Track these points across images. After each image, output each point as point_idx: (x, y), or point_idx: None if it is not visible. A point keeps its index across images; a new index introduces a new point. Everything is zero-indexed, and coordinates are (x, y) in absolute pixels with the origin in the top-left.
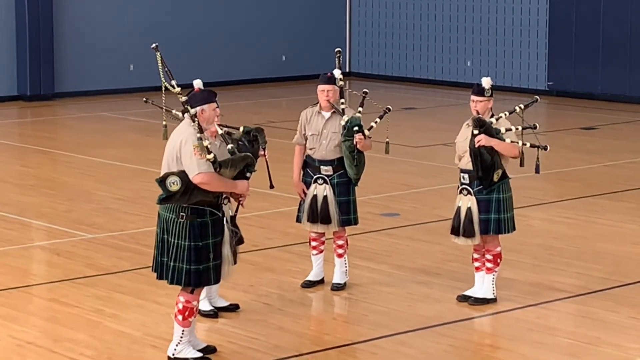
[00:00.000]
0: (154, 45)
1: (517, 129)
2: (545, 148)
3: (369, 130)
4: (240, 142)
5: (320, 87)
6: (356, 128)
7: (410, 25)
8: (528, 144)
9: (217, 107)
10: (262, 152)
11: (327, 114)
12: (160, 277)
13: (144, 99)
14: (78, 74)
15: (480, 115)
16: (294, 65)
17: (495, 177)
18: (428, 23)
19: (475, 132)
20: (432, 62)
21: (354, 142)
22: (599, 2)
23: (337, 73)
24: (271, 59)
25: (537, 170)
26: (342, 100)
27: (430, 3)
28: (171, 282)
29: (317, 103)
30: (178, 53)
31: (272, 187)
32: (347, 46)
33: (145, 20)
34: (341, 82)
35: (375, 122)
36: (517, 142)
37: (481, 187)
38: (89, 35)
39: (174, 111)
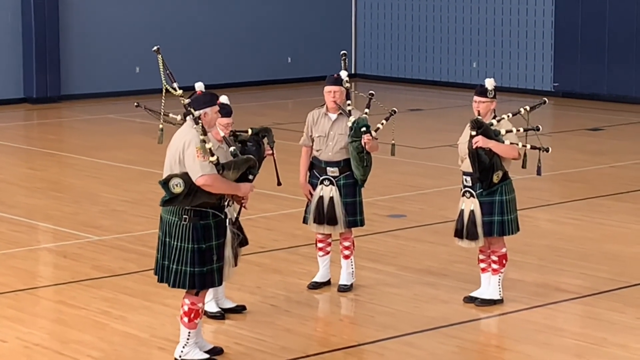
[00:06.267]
0: (155, 47)
1: (518, 130)
2: (547, 150)
3: (375, 131)
4: (249, 143)
5: (327, 88)
6: (364, 129)
7: (415, 26)
8: (529, 146)
9: (231, 114)
10: (270, 151)
11: (333, 116)
12: (161, 280)
13: (135, 103)
14: (84, 77)
15: (478, 117)
16: (299, 67)
17: (495, 179)
18: (434, 24)
19: (473, 133)
20: (437, 63)
21: (362, 143)
22: (605, 3)
23: (343, 74)
24: (277, 60)
25: (538, 172)
26: (349, 102)
27: (436, 5)
28: (173, 285)
29: (324, 104)
30: (184, 55)
31: (279, 184)
32: (352, 48)
33: (151, 22)
34: (347, 84)
35: (382, 124)
36: (517, 144)
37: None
38: (95, 38)
39: (170, 115)
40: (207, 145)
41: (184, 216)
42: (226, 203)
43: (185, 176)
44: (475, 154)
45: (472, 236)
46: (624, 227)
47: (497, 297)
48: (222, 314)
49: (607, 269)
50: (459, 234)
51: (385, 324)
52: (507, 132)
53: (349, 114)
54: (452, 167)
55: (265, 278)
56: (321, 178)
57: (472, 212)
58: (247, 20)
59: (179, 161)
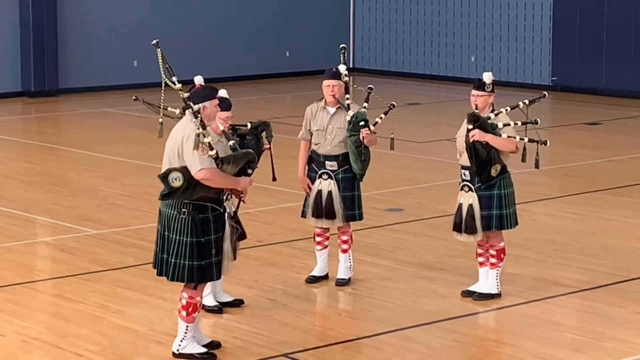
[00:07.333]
0: (154, 41)
1: (516, 124)
2: (545, 143)
3: (374, 125)
4: (248, 137)
5: (326, 82)
6: (362, 123)
7: (414, 20)
8: (526, 139)
9: (230, 108)
10: (267, 145)
11: (332, 110)
12: (160, 274)
13: (133, 97)
14: (82, 70)
15: (475, 111)
16: (297, 61)
17: (493, 172)
18: (432, 18)
19: (470, 127)
20: (436, 57)
21: (361, 137)
22: None
23: (342, 68)
24: (275, 54)
25: (536, 166)
26: (347, 96)
27: None
28: (172, 279)
29: (322, 98)
30: (182, 49)
31: (274, 179)
32: (351, 42)
33: (149, 16)
34: (346, 78)
35: (380, 118)
36: (515, 137)
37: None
38: (92, 32)
39: (169, 108)
40: (206, 139)
41: (183, 210)
42: (225, 197)
43: (184, 170)
44: (472, 148)
45: (471, 230)
46: (622, 221)
47: (495, 291)
48: (219, 308)
49: (605, 263)
50: (457, 228)
51: (383, 318)
52: (504, 125)
53: (348, 107)
54: (450, 161)
55: (263, 272)
56: (320, 172)
57: (470, 206)
58: (246, 14)
59: (178, 155)
